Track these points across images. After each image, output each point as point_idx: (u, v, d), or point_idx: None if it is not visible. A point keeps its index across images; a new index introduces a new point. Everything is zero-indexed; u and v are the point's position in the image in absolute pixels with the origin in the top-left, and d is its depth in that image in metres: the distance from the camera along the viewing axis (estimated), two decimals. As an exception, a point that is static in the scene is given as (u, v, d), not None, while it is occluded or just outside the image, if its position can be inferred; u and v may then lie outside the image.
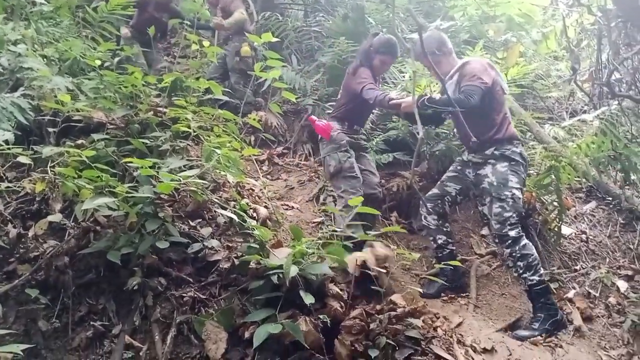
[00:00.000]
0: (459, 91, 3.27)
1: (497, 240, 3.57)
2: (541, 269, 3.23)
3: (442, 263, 3.21)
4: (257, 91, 5.56)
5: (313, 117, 3.86)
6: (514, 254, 3.22)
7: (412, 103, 3.13)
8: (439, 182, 3.65)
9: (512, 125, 3.44)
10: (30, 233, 2.67)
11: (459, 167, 3.58)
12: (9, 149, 2.68)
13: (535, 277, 3.18)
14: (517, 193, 3.28)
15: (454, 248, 3.65)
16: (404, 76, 4.69)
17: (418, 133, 2.57)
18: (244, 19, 5.37)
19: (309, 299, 2.53)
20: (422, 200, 3.17)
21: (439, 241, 3.59)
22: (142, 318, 2.61)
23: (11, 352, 2.13)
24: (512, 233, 3.23)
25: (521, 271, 3.22)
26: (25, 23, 3.99)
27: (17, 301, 2.50)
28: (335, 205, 3.85)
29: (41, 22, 4.22)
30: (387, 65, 3.82)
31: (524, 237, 3.26)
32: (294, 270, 2.48)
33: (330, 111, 4.17)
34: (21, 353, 2.14)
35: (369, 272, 2.90)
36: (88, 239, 2.73)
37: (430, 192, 3.65)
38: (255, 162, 4.89)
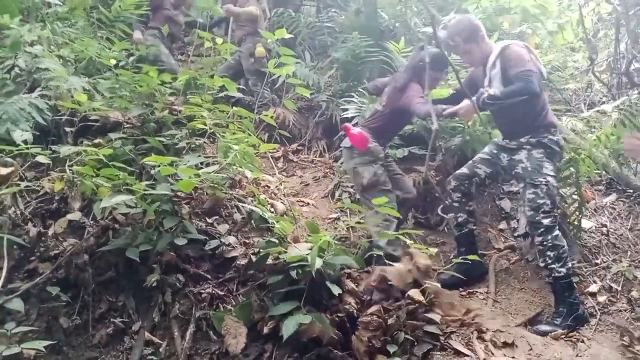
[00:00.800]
0: (508, 79, 3.10)
1: (529, 229, 3.48)
2: (569, 262, 3.19)
3: (460, 258, 3.19)
4: (271, 88, 5.56)
5: (348, 125, 3.62)
6: (545, 243, 3.15)
7: (470, 106, 3.06)
8: (469, 162, 3.58)
9: (551, 112, 3.35)
10: (50, 232, 2.70)
11: (494, 151, 3.50)
12: (27, 148, 2.71)
13: (563, 270, 3.13)
14: (552, 180, 3.21)
15: (474, 227, 3.61)
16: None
17: (432, 126, 2.52)
18: (256, 13, 5.37)
19: (335, 289, 2.55)
20: (438, 193, 3.08)
21: (459, 219, 3.54)
22: (161, 314, 2.63)
23: (34, 349, 2.16)
24: (546, 221, 3.16)
25: (550, 261, 3.16)
26: (41, 24, 4.03)
27: (38, 299, 2.53)
28: (364, 218, 3.62)
29: (57, 23, 4.25)
30: (438, 82, 3.67)
31: (557, 227, 3.21)
32: (319, 263, 2.49)
33: (363, 121, 3.95)
34: (44, 350, 2.18)
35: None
36: (107, 236, 2.76)
37: (459, 171, 3.58)
38: (270, 159, 4.89)
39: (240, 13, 5.34)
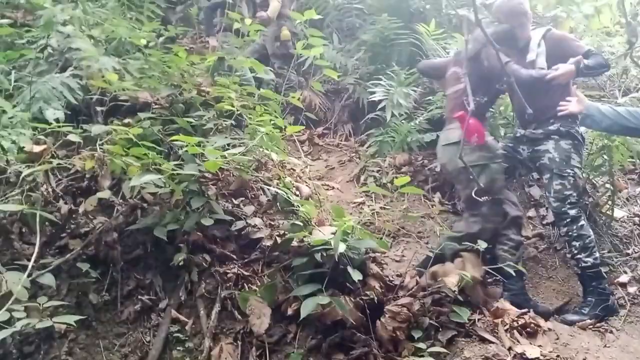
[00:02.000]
0: (560, 58, 3.12)
1: (554, 219, 3.42)
2: (596, 252, 3.13)
3: None
4: (298, 70, 5.52)
5: (465, 113, 2.97)
6: (570, 233, 3.11)
7: (571, 70, 3.05)
8: None
9: None
10: (81, 209, 2.74)
11: (509, 145, 3.46)
12: (59, 127, 2.76)
13: (590, 260, 3.08)
14: (578, 172, 3.19)
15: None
16: (448, 52, 4.56)
17: (469, 104, 2.46)
18: (279, 6, 5.31)
19: (356, 275, 2.54)
20: (473, 176, 2.98)
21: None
22: (187, 293, 2.66)
23: (65, 323, 2.21)
24: (572, 212, 3.11)
25: (576, 252, 3.11)
26: (73, 4, 4.07)
27: (69, 274, 2.59)
28: (455, 223, 3.40)
29: (88, 4, 4.29)
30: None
31: (583, 217, 3.15)
32: (342, 247, 2.48)
33: (462, 107, 3.13)
34: (74, 324, 2.23)
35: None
36: (135, 215, 2.79)
37: None
38: (296, 142, 4.88)
39: (271, 17, 5.26)
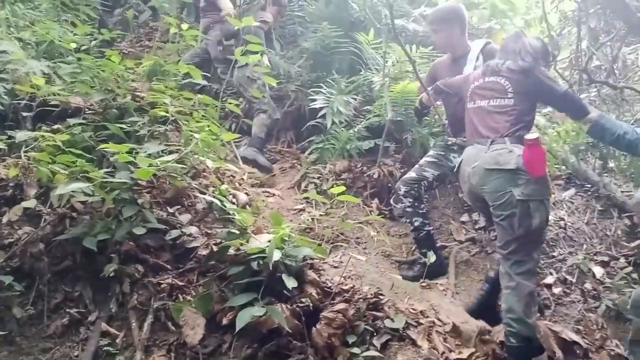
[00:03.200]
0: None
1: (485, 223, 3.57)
2: None
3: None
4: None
5: (533, 137, 2.55)
6: None
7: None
8: (416, 166, 3.66)
9: None
10: (5, 219, 2.62)
11: (440, 153, 3.59)
12: (-19, 133, 2.63)
13: None
14: None
15: (430, 229, 3.65)
16: (387, 62, 4.66)
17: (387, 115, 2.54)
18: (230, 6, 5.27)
19: (291, 283, 2.53)
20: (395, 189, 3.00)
21: (415, 223, 3.58)
22: (118, 305, 2.58)
23: (-17, 340, 2.11)
24: None
25: None
26: (0, 5, 3.89)
27: (-10, 288, 2.47)
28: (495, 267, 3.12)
29: (18, 5, 4.12)
30: None
31: None
32: (277, 255, 2.48)
33: (509, 129, 2.74)
34: (-6, 340, 2.13)
35: None
36: (64, 225, 2.69)
37: (406, 176, 3.65)
38: (236, 149, 4.85)
39: (272, 21, 5.19)
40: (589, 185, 4.46)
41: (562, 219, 4.20)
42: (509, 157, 2.60)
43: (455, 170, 3.13)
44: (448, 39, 3.46)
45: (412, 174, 3.62)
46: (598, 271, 3.70)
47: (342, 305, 2.75)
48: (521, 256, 2.57)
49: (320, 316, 2.68)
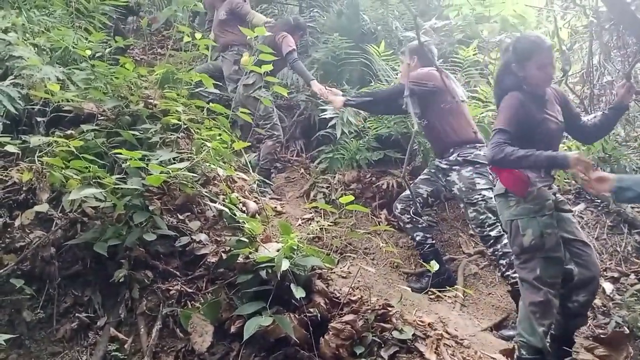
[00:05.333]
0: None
1: (481, 242, 3.61)
2: None
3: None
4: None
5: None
6: (496, 253, 3.26)
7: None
8: (412, 184, 3.71)
9: (472, 130, 3.47)
10: (17, 223, 2.65)
11: (432, 171, 3.67)
12: (-4, 137, 2.66)
13: (517, 275, 3.18)
14: (487, 194, 3.29)
15: (433, 242, 3.66)
16: (396, 74, 4.68)
17: (413, 126, 2.55)
18: (262, 18, 5.17)
19: (299, 293, 2.53)
20: (414, 199, 3.12)
21: (417, 238, 3.62)
22: (127, 311, 2.60)
23: (-6, 342, 2.12)
24: (493, 233, 3.27)
25: (504, 269, 3.24)
26: (17, 11, 3.95)
27: (1, 291, 2.48)
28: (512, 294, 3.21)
29: (33, 11, 4.18)
30: None
31: (505, 235, 3.27)
32: (285, 265, 2.48)
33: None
34: (4, 343, 2.14)
35: None
36: (75, 230, 2.71)
37: (403, 194, 3.73)
38: (246, 157, 4.87)
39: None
40: (599, 201, 4.43)
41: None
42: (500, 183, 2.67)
43: None
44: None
45: (407, 191, 3.67)
46: (608, 287, 3.67)
47: (350, 316, 2.74)
48: (524, 273, 2.61)
49: (329, 327, 2.67)
